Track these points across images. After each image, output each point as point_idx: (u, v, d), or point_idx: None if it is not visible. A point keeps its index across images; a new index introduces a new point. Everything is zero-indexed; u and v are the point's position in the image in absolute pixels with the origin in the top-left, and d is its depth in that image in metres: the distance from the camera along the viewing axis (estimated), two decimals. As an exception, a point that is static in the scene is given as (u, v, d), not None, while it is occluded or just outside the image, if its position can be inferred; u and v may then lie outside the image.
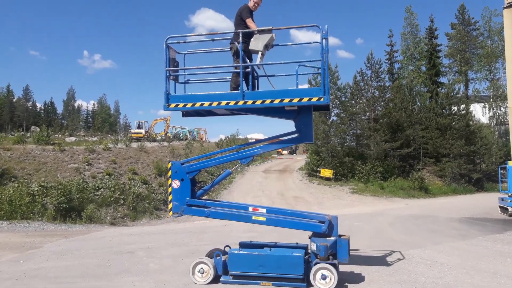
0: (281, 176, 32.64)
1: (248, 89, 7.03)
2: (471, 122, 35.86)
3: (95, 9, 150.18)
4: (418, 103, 38.15)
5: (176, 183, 7.20)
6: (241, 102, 6.78)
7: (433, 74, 42.94)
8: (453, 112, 35.02)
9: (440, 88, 40.92)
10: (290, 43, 7.86)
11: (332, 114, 33.74)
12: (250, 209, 7.23)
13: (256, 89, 7.43)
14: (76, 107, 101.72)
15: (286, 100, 6.62)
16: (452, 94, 35.64)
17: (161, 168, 23.28)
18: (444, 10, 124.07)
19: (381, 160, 31.87)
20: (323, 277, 6.30)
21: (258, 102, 6.74)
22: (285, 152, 58.07)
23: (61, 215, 15.71)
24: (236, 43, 7.02)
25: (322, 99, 6.51)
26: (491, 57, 44.58)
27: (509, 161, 15.41)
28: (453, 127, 33.57)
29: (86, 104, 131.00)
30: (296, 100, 6.60)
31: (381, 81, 34.79)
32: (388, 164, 31.92)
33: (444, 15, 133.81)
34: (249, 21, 7.07)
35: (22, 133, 32.59)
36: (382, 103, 34.83)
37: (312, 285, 6.37)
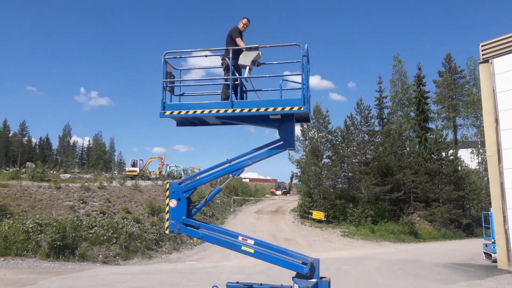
0: (274, 217, 32.89)
1: (237, 99, 7.83)
2: (459, 167, 36.68)
3: (92, 46, 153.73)
4: (407, 148, 39.05)
5: (173, 203, 7.73)
6: (230, 110, 7.54)
7: (422, 120, 44.22)
8: (442, 157, 35.89)
9: (428, 134, 42.06)
10: (275, 62, 8.49)
11: (324, 156, 34.53)
12: (240, 238, 7.66)
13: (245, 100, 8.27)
14: (71, 144, 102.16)
15: (271, 109, 7.44)
16: (440, 140, 36.69)
17: (154, 207, 23.61)
18: (431, 58, 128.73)
19: (372, 204, 32.34)
20: (305, 317, 6.67)
21: (246, 110, 7.54)
22: (278, 192, 58.39)
23: (55, 252, 15.93)
24: (226, 59, 7.94)
25: (302, 108, 7.30)
26: (477, 104, 46.14)
27: (491, 208, 15.98)
28: (442, 172, 34.34)
29: (81, 140, 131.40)
30: (279, 108, 7.41)
31: (370, 126, 35.84)
32: (379, 207, 32.36)
33: (431, 63, 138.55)
34: (238, 40, 8.13)
35: (17, 168, 32.90)
36: (372, 147, 35.72)
37: (295, 325, 6.74)
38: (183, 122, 8.52)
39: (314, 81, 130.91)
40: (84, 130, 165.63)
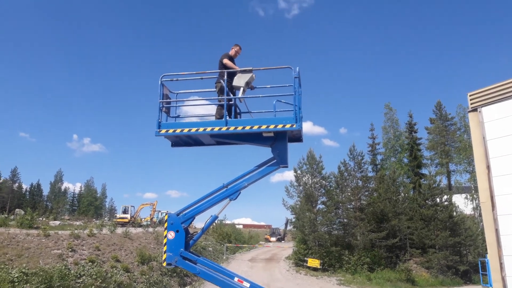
0: (268, 265, 32.13)
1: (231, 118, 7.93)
2: (454, 213, 36.47)
3: (85, 93, 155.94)
4: (401, 194, 39.02)
5: (171, 235, 7.56)
6: (224, 128, 7.68)
7: (415, 166, 44.51)
8: (436, 203, 35.77)
9: (422, 180, 42.20)
10: (268, 86, 8.73)
11: (318, 202, 34.32)
12: (236, 279, 7.47)
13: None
14: (62, 190, 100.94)
15: (264, 127, 7.59)
16: (434, 186, 36.72)
17: (144, 255, 23.01)
18: (422, 106, 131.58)
19: (368, 250, 31.81)
20: None
21: (239, 128, 7.67)
22: (273, 239, 57.51)
23: (40, 303, 15.30)
24: (221, 81, 8.17)
25: (294, 126, 7.51)
26: (469, 150, 46.70)
27: (487, 255, 15.76)
28: (437, 218, 34.08)
29: (72, 186, 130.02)
30: (272, 126, 7.56)
31: (364, 172, 35.94)
32: (375, 254, 31.81)
33: (422, 110, 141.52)
34: (225, 61, 8.45)
35: (6, 215, 32.20)
36: (366, 193, 35.65)
37: None
38: (177, 142, 8.59)
39: (307, 127, 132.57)
40: (76, 176, 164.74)
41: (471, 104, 16.04)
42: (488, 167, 15.13)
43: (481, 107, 15.65)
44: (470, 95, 16.23)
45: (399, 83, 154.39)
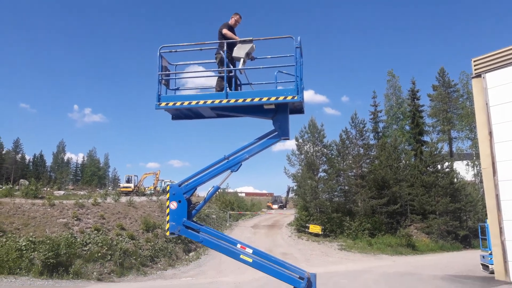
0: (270, 231, 32.68)
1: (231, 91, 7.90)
2: (455, 179, 36.73)
3: (85, 63, 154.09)
4: (403, 161, 39.15)
5: (173, 205, 7.66)
6: (225, 101, 7.58)
7: (417, 133, 44.43)
8: (438, 170, 35.96)
9: (424, 147, 42.23)
10: (269, 56, 8.41)
11: (320, 170, 34.51)
12: (238, 246, 7.58)
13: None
14: (65, 160, 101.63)
15: (265, 99, 7.48)
16: (435, 153, 36.79)
17: (148, 223, 23.38)
18: (425, 73, 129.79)
19: (369, 217, 32.25)
20: (301, 330, 6.59)
21: (240, 100, 7.58)
22: (275, 206, 58.20)
23: (48, 270, 15.69)
24: (221, 52, 8.02)
25: (296, 97, 7.36)
26: (471, 117, 46.57)
27: (487, 220, 15.96)
28: (438, 184, 34.37)
29: (75, 157, 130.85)
30: (273, 98, 7.45)
31: (365, 140, 35.93)
32: (376, 220, 32.26)
33: (425, 77, 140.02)
34: (225, 31, 8.22)
35: (11, 186, 32.59)
36: (367, 161, 35.78)
37: (291, 338, 6.64)
38: (178, 115, 8.53)
39: (308, 95, 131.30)
40: (78, 147, 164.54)
41: (475, 70, 15.86)
42: (490, 133, 15.11)
43: (485, 73, 15.48)
44: (474, 61, 16.01)
45: (402, 50, 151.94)
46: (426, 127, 49.00)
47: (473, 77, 15.82)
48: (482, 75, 15.43)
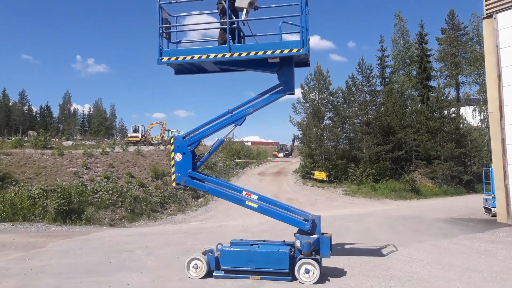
0: (276, 178, 33.25)
1: (234, 44, 7.71)
2: (461, 125, 36.60)
3: (85, 11, 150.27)
4: (409, 107, 38.83)
5: (178, 156, 7.78)
6: (228, 55, 7.42)
7: (424, 78, 43.66)
8: (444, 115, 35.73)
9: (430, 92, 41.67)
10: (273, 5, 8.27)
11: (325, 117, 34.44)
12: (244, 193, 7.75)
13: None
14: (72, 111, 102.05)
15: (269, 52, 7.29)
16: (442, 98, 36.37)
17: (157, 171, 23.84)
18: (434, 16, 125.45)
19: (373, 163, 32.55)
20: (307, 271, 6.89)
21: (244, 54, 7.40)
22: (280, 154, 58.72)
23: (62, 217, 16.25)
24: (223, 2, 7.73)
25: (301, 50, 7.18)
26: (480, 61, 45.52)
27: (492, 164, 16.07)
28: (444, 130, 34.29)
29: (81, 108, 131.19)
30: (278, 51, 7.25)
31: (372, 86, 35.46)
32: (381, 166, 32.59)
33: (434, 20, 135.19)
34: None
35: (20, 137, 33.02)
36: (373, 107, 35.53)
37: (297, 279, 6.96)
38: (181, 70, 8.39)
39: (314, 41, 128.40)
40: (83, 97, 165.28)
41: (486, 10, 15.27)
42: (499, 76, 14.82)
43: (497, 13, 14.90)
44: (486, 0, 15.37)
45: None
46: (433, 72, 48.08)
47: (484, 18, 15.27)
48: (494, 15, 14.88)
